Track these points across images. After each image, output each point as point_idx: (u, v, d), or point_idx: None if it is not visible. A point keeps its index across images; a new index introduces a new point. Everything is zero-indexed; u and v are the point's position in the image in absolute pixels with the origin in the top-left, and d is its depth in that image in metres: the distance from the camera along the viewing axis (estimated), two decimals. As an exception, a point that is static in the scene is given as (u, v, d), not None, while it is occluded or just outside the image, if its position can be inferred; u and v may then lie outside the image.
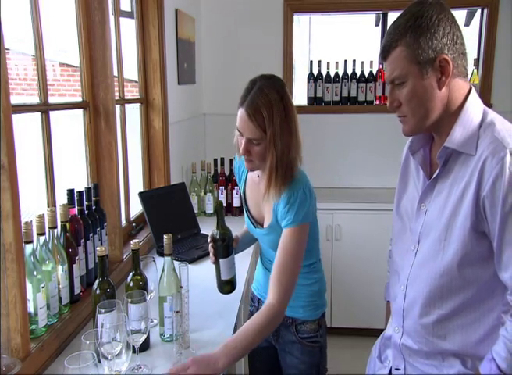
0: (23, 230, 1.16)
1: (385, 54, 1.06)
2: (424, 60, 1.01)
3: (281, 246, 1.35)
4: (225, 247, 1.42)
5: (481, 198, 1.00)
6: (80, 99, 1.73)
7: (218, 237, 1.41)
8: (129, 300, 1.23)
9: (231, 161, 2.75)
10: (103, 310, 1.14)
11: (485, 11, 3.09)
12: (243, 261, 1.93)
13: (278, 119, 1.28)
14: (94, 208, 1.58)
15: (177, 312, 1.28)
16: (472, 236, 1.02)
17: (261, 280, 1.61)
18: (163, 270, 1.37)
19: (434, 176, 1.10)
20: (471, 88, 1.08)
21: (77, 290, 1.43)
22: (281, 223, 1.37)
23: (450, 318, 1.09)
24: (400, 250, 1.21)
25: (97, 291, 1.26)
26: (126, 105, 2.13)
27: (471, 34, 3.23)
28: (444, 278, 1.07)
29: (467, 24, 3.42)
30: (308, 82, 3.23)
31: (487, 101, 3.06)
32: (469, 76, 2.71)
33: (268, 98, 1.28)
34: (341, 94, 3.22)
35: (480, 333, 1.07)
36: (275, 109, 1.27)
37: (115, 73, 1.94)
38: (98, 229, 1.59)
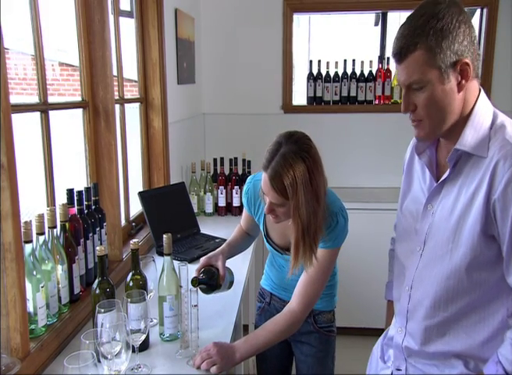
0: (22, 230, 1.16)
1: (401, 57, 1.00)
2: (446, 64, 0.97)
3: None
4: (212, 289, 1.43)
5: (491, 202, 0.98)
6: (79, 99, 1.73)
7: (211, 292, 1.43)
8: (129, 299, 1.23)
9: (230, 160, 2.75)
10: (102, 310, 1.14)
11: (485, 10, 3.09)
12: (243, 260, 1.93)
13: (302, 189, 1.22)
14: (93, 207, 1.58)
15: (195, 305, 1.30)
16: (481, 239, 1.01)
17: (275, 279, 1.64)
18: (163, 270, 1.37)
19: (443, 178, 1.08)
20: (480, 89, 1.07)
21: (77, 289, 1.43)
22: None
23: (455, 320, 1.08)
24: (405, 250, 1.20)
25: (97, 291, 1.26)
26: (126, 105, 2.12)
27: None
28: (451, 281, 1.06)
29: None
30: (308, 81, 3.23)
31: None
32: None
33: (291, 167, 1.21)
34: (341, 93, 3.22)
35: (484, 336, 1.07)
36: (298, 179, 1.21)
37: (115, 73, 1.94)
38: (98, 228, 1.58)
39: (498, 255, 1.02)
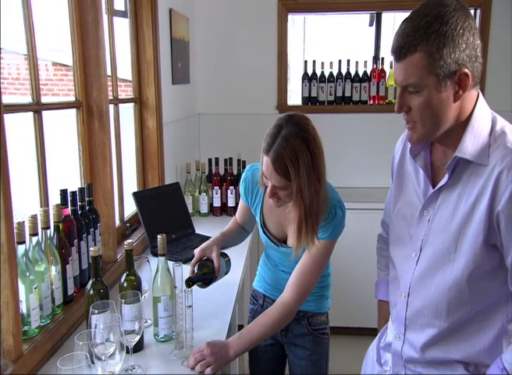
0: (15, 231, 1.15)
1: (400, 56, 0.97)
2: (445, 72, 0.95)
3: (309, 253, 1.37)
4: (208, 283, 1.43)
5: (495, 212, 0.97)
6: (73, 99, 1.72)
7: (200, 285, 1.42)
8: (123, 300, 1.23)
9: (225, 161, 2.75)
10: (96, 311, 1.14)
11: (478, 11, 3.11)
12: (238, 260, 1.92)
13: (304, 170, 1.23)
14: (87, 208, 1.57)
15: (189, 306, 1.30)
16: (483, 249, 1.00)
17: (268, 279, 1.63)
18: (157, 270, 1.37)
19: (441, 185, 1.07)
20: (478, 94, 1.05)
21: (70, 290, 1.43)
22: None
23: (456, 329, 1.08)
24: (399, 255, 1.19)
25: (91, 292, 1.25)
26: (120, 105, 2.12)
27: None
28: (453, 291, 1.05)
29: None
30: (303, 82, 3.24)
31: (480, 100, 3.07)
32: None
33: (293, 148, 1.22)
34: (335, 93, 3.23)
35: (484, 343, 1.06)
36: (301, 160, 1.23)
37: (109, 73, 1.93)
38: (92, 229, 1.58)
39: (499, 263, 1.01)
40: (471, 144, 1.01)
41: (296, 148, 1.23)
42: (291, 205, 1.39)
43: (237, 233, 1.68)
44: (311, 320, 1.58)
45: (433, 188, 1.09)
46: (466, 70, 0.96)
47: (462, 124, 1.03)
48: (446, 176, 1.06)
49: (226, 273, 1.51)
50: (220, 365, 1.25)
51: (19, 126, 1.53)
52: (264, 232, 1.53)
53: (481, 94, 1.06)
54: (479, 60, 0.99)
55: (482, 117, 1.03)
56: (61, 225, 1.37)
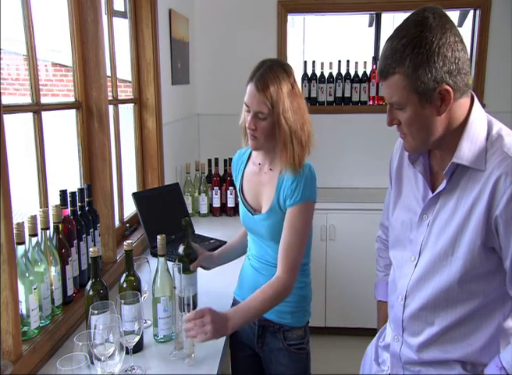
0: (14, 231, 1.15)
1: (382, 77, 1.02)
2: (424, 91, 0.96)
3: (287, 224, 1.38)
4: (188, 263, 1.48)
5: (493, 217, 0.98)
6: (72, 99, 1.72)
7: (182, 253, 1.50)
8: (123, 301, 1.23)
9: (225, 161, 2.75)
10: (96, 311, 1.14)
11: (478, 12, 3.11)
12: (236, 266, 1.92)
13: (286, 95, 1.33)
14: (87, 208, 1.57)
15: (188, 304, 1.30)
16: (482, 252, 1.01)
17: (248, 281, 1.57)
18: (156, 271, 1.37)
19: (439, 190, 1.07)
20: (473, 99, 1.05)
21: (70, 291, 1.43)
22: (286, 201, 1.38)
23: (453, 329, 1.08)
24: (398, 259, 1.19)
25: (90, 292, 1.25)
26: (120, 105, 2.12)
27: (463, 35, 3.25)
28: (450, 292, 1.06)
29: (459, 25, 3.44)
30: (302, 82, 3.24)
31: (480, 101, 3.07)
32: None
33: (276, 74, 1.34)
34: (335, 94, 3.23)
35: (481, 342, 1.07)
36: (283, 85, 1.33)
37: (109, 73, 1.93)
38: (91, 230, 1.58)
39: (496, 264, 1.02)
40: (467, 149, 1.02)
41: (279, 74, 1.34)
42: (266, 167, 1.45)
43: (241, 241, 1.67)
44: (287, 335, 1.49)
45: (432, 192, 1.10)
46: (446, 86, 0.96)
47: (458, 130, 1.03)
48: (445, 182, 1.06)
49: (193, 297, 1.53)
50: (214, 336, 1.23)
51: (18, 126, 1.53)
52: (242, 201, 1.53)
53: (476, 99, 1.06)
54: (463, 71, 0.98)
55: (478, 122, 1.04)
56: (60, 226, 1.37)
